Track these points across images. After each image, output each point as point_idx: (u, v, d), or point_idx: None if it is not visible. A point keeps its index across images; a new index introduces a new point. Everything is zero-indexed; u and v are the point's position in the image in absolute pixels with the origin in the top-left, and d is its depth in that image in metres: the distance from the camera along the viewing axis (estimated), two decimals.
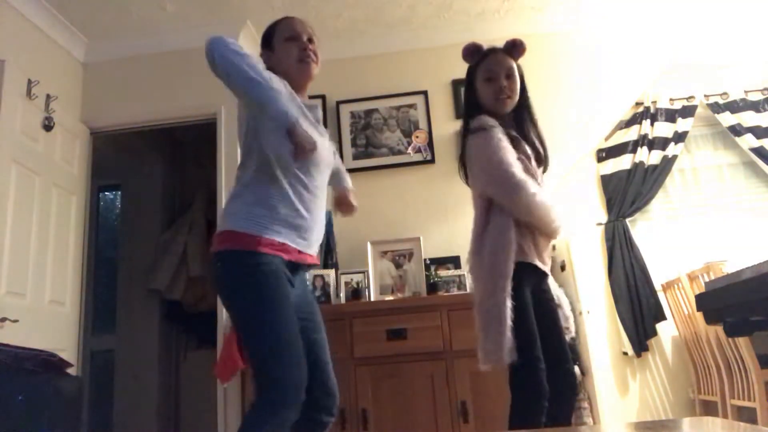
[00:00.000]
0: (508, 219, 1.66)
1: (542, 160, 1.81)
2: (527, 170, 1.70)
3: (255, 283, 1.52)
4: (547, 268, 1.78)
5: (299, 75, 1.72)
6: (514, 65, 1.82)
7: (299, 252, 1.63)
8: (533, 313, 1.67)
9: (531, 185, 1.65)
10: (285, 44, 1.73)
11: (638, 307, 3.19)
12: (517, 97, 1.81)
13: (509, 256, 1.63)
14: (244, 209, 1.58)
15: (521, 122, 1.83)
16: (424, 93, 3.54)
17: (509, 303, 1.59)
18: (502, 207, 1.69)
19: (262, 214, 1.57)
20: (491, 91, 1.78)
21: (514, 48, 1.82)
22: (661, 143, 3.40)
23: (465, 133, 1.82)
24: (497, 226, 1.68)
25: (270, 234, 1.56)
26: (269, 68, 1.67)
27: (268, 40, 1.78)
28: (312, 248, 1.69)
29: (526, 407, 1.60)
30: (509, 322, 1.58)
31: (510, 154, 1.67)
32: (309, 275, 1.83)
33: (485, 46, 1.86)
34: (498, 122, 1.76)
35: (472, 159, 1.76)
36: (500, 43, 1.86)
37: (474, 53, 1.85)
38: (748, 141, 3.37)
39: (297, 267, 1.66)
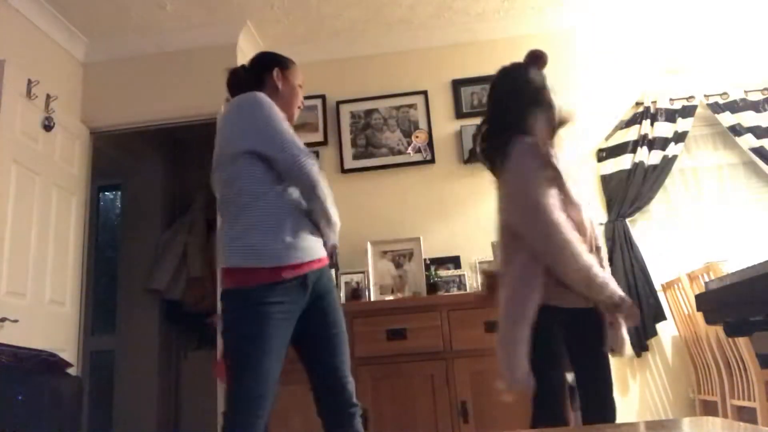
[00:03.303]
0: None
1: None
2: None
3: None
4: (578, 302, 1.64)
5: (289, 114, 1.90)
6: None
7: (314, 262, 1.71)
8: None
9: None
10: (295, 89, 1.94)
11: (638, 307, 3.19)
12: None
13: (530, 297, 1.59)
14: None
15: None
16: (424, 93, 3.54)
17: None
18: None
19: None
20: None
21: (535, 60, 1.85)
22: (661, 143, 3.40)
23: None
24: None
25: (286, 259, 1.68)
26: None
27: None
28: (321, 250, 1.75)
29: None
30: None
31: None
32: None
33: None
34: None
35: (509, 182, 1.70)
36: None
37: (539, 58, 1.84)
38: (748, 141, 3.36)
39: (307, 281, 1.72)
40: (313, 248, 1.66)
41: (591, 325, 1.68)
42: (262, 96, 1.71)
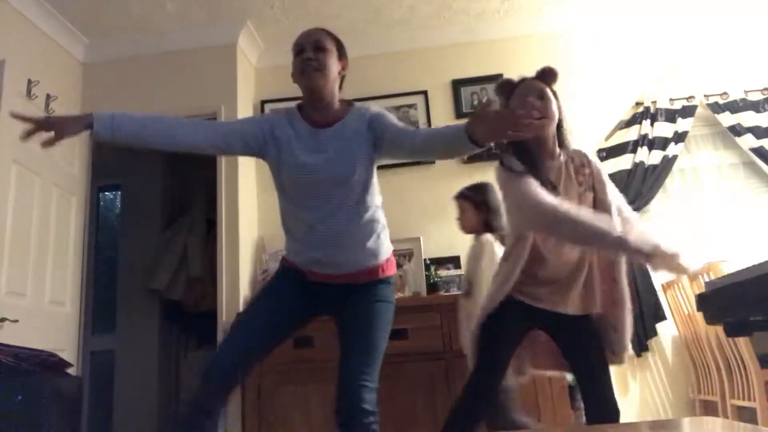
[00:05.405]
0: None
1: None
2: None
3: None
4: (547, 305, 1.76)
5: (303, 86, 1.77)
6: (547, 89, 1.79)
7: (310, 271, 1.77)
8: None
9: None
10: (293, 60, 1.78)
11: (638, 307, 3.19)
12: (555, 119, 1.78)
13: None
14: None
15: (561, 143, 1.82)
16: (424, 93, 3.54)
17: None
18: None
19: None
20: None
21: (544, 74, 1.82)
22: (661, 143, 3.40)
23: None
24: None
25: (287, 254, 1.87)
26: None
27: None
28: (322, 268, 1.76)
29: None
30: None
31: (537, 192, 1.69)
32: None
33: (516, 78, 1.86)
34: (536, 148, 1.76)
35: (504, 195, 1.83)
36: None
37: (505, 86, 1.86)
38: (748, 141, 3.36)
39: (322, 283, 1.78)
40: (297, 252, 1.81)
41: (585, 330, 1.74)
42: None
